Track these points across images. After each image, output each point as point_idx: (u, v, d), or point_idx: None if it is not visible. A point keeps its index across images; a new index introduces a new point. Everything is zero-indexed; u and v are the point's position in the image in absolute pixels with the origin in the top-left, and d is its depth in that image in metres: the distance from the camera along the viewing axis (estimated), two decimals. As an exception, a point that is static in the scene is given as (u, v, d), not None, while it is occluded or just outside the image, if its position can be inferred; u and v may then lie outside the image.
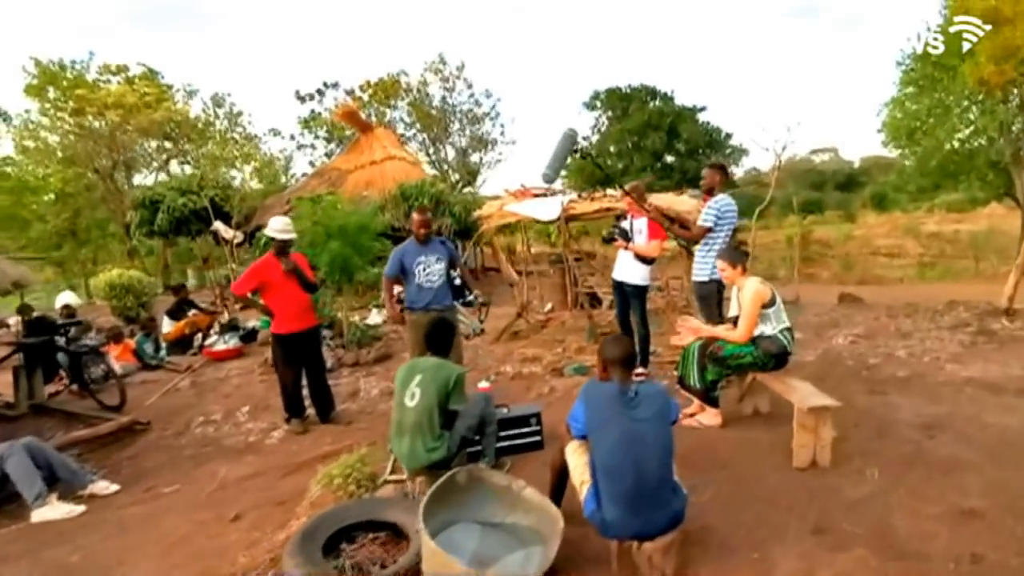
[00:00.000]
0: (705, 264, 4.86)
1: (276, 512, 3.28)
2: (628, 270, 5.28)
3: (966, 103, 13.98)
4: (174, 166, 21.76)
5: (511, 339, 7.48)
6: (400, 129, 26.19)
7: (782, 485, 3.17)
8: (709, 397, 4.03)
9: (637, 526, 2.33)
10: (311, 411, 4.94)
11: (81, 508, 3.68)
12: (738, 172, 37.97)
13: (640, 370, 5.39)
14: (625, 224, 5.35)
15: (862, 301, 9.07)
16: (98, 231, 21.56)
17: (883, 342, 6.24)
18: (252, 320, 8.35)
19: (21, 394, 5.61)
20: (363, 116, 17.42)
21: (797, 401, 3.35)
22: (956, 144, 14.93)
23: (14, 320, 7.08)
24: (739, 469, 3.39)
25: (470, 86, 25.29)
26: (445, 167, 26.73)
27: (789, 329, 3.91)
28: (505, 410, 3.98)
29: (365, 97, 25.44)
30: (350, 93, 25.58)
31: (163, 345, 7.83)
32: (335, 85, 25.38)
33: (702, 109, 35.06)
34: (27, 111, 20.25)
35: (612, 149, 37.38)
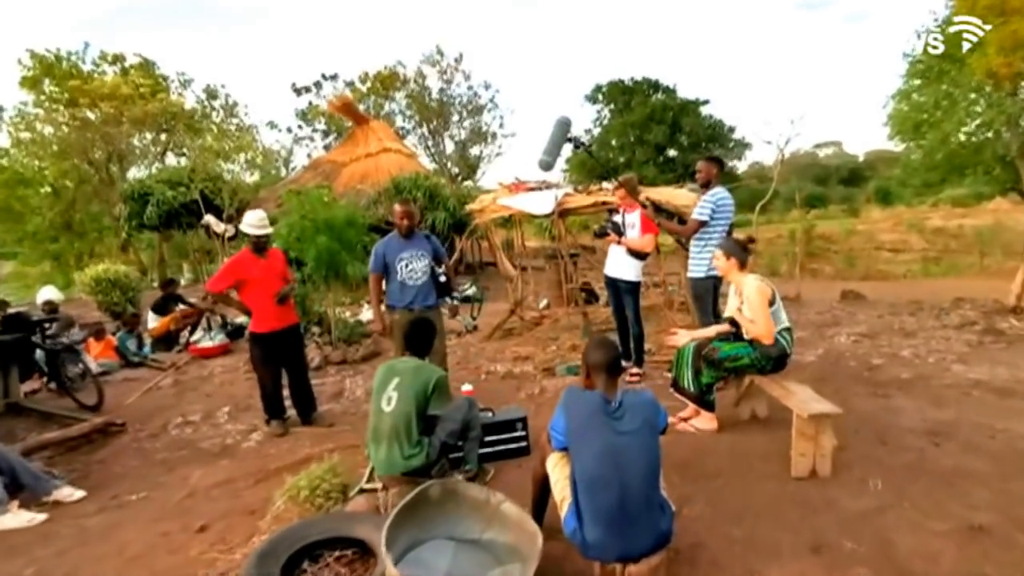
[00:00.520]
0: (701, 260, 4.66)
1: (244, 522, 3.10)
2: (621, 266, 5.09)
3: (973, 96, 13.68)
4: (170, 159, 21.60)
5: (504, 336, 7.29)
6: (399, 122, 26.00)
7: (779, 496, 2.98)
8: (704, 401, 3.84)
9: (620, 547, 2.15)
10: (293, 412, 4.77)
11: (43, 516, 3.51)
12: (741, 166, 37.72)
13: (635, 370, 5.22)
14: (617, 218, 5.16)
15: (865, 298, 8.87)
16: (93, 224, 21.34)
17: (887, 341, 6.04)
18: (240, 316, 8.16)
19: (-5, 393, 5.44)
20: (359, 108, 17.17)
21: (796, 407, 3.16)
22: (962, 138, 14.64)
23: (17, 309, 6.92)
24: (733, 479, 3.20)
25: (468, 77, 25.01)
26: (444, 160, 26.50)
27: (789, 330, 3.72)
28: (490, 414, 3.80)
29: (364, 89, 25.22)
30: (349, 85, 25.37)
31: (147, 342, 7.66)
32: (333, 77, 25.15)
33: (705, 102, 34.78)
34: (23, 103, 20.08)
35: (614, 143, 37.12)
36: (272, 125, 26.14)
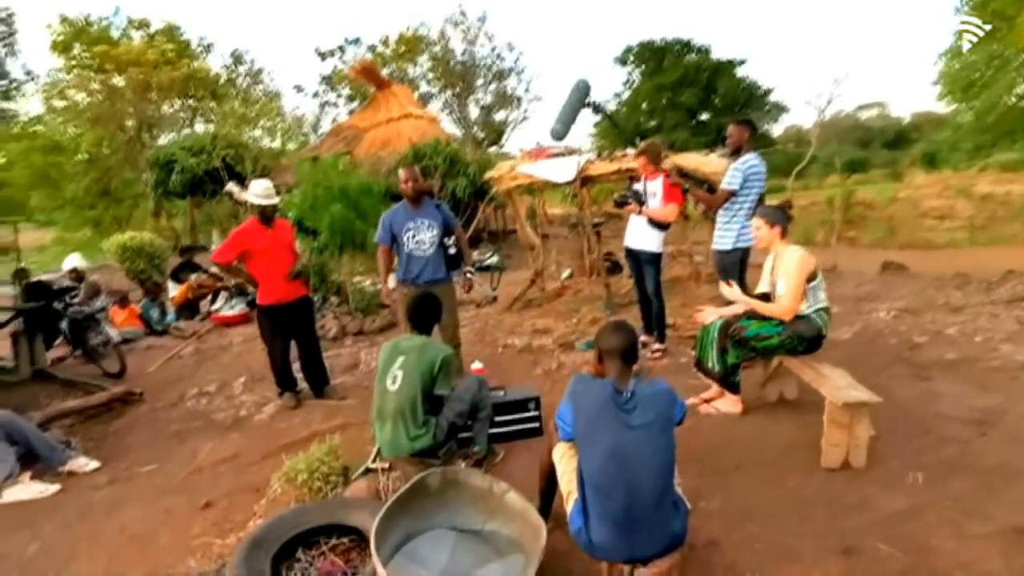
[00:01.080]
0: (728, 231, 4.38)
1: (248, 500, 3.05)
2: (641, 236, 4.83)
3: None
4: (200, 125, 21.67)
5: (524, 308, 7.11)
6: (424, 87, 25.54)
7: (806, 490, 2.78)
8: (729, 382, 3.62)
9: (628, 550, 1.99)
10: (306, 385, 4.70)
11: (55, 487, 3.52)
12: (776, 130, 36.28)
13: (657, 346, 5.01)
14: (638, 186, 4.88)
15: (907, 270, 8.38)
16: (128, 191, 21.66)
17: (930, 318, 5.67)
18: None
19: (21, 360, 5.52)
20: (382, 72, 16.83)
21: (829, 393, 2.92)
22: (1014, 99, 13.71)
23: (49, 276, 7.02)
24: (756, 469, 3.01)
25: (491, 39, 24.31)
26: (470, 126, 26.03)
27: (826, 309, 3.45)
28: (501, 393, 3.65)
29: (388, 52, 24.75)
30: (372, 49, 24.92)
31: (170, 310, 7.71)
32: (356, 41, 24.71)
33: (741, 62, 33.30)
34: (56, 70, 20.25)
35: (644, 106, 36.01)
36: (299, 89, 25.86)
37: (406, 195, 4.10)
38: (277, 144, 15.97)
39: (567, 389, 2.22)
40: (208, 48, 22.99)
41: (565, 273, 8.59)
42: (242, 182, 11.10)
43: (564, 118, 4.01)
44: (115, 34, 20.73)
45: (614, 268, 7.82)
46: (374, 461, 3.01)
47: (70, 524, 3.05)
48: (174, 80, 17.34)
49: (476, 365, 3.55)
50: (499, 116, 26.65)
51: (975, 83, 13.76)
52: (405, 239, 4.07)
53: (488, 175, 6.91)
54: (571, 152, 6.62)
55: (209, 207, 13.52)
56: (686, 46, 34.60)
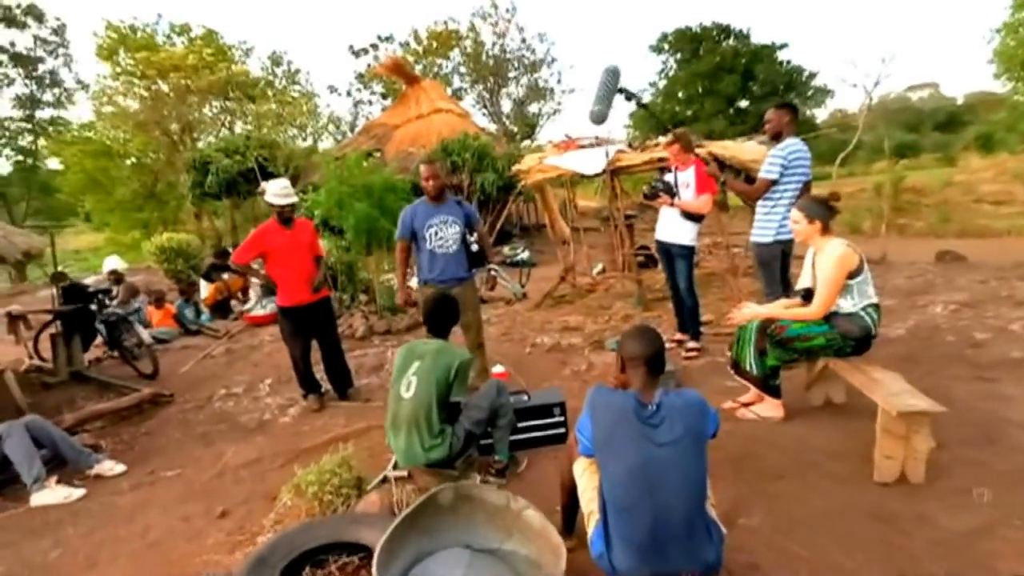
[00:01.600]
0: (769, 223, 4.10)
1: (264, 508, 2.97)
2: (674, 229, 4.60)
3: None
4: (239, 127, 22.10)
5: (555, 305, 6.93)
6: (456, 83, 25.48)
7: (856, 508, 2.53)
8: (768, 386, 3.38)
9: (655, 579, 1.80)
10: (329, 386, 4.64)
11: (81, 491, 3.52)
12: (821, 115, 34.91)
13: (691, 344, 4.77)
14: (669, 177, 4.63)
15: (965, 260, 7.85)
16: (172, 193, 22.30)
17: (992, 312, 5.25)
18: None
19: (60, 361, 5.63)
20: (415, 69, 16.79)
21: (883, 401, 2.65)
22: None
23: (93, 279, 7.21)
24: (800, 482, 2.76)
25: (522, 30, 24.04)
26: (503, 120, 25.85)
27: (876, 306, 3.17)
28: (525, 397, 3.48)
29: (420, 49, 24.76)
30: (404, 46, 24.98)
31: (204, 310, 7.81)
32: (389, 38, 24.80)
33: (783, 46, 32.12)
34: (103, 76, 20.92)
35: (681, 95, 35.15)
36: (332, 89, 26.10)
37: (427, 193, 3.96)
38: (310, 143, 16.12)
39: (586, 400, 2.05)
40: (248, 52, 23.47)
41: (597, 268, 8.36)
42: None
43: (601, 100, 3.81)
44: (159, 40, 21.31)
45: (647, 262, 7.56)
46: (394, 468, 2.89)
47: (93, 529, 3.04)
48: (212, 84, 17.68)
49: (497, 369, 3.39)
50: (532, 109, 26.41)
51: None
52: (427, 236, 3.94)
53: (516, 168, 6.74)
54: (601, 143, 6.41)
55: (247, 207, 13.73)
56: (724, 31, 33.60)
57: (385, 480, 2.93)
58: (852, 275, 3.11)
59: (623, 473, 1.82)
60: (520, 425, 3.31)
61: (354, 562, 2.25)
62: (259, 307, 7.45)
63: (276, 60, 22.71)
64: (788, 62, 32.07)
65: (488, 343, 5.78)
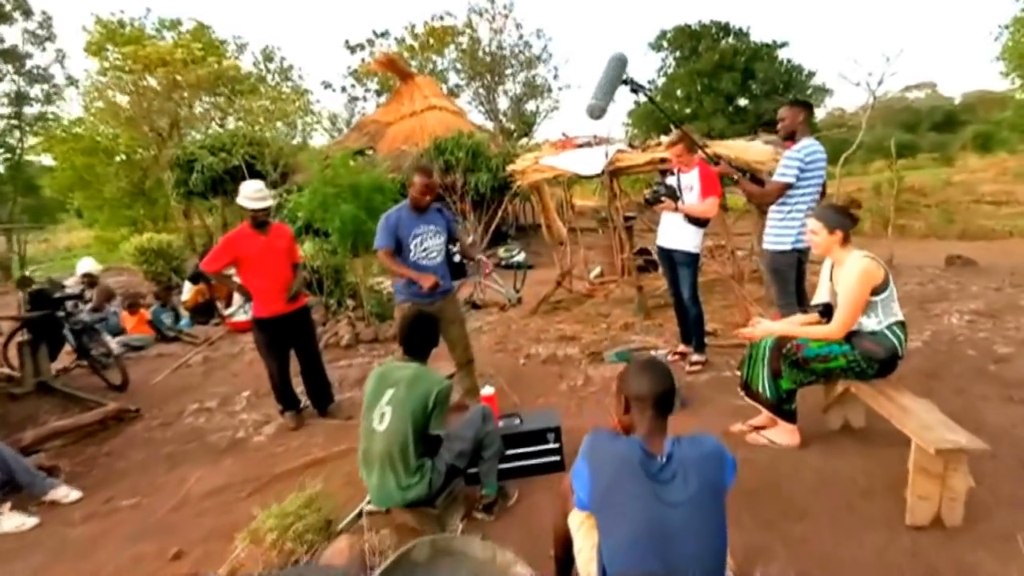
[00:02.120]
0: (784, 230, 3.79)
1: (224, 550, 2.65)
2: (677, 235, 4.30)
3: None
4: (231, 124, 21.68)
5: (551, 311, 6.62)
6: (453, 79, 25.14)
7: (890, 554, 2.24)
8: (783, 410, 3.07)
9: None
10: (310, 401, 4.34)
11: (34, 520, 3.22)
12: (820, 114, 34.67)
13: (696, 357, 4.47)
14: (671, 180, 4.33)
15: (976, 264, 7.57)
16: (161, 191, 21.91)
17: (1013, 322, 4.96)
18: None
19: (26, 371, 5.30)
20: (411, 65, 16.44)
21: (916, 435, 2.36)
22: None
23: (72, 280, 6.88)
24: (827, 523, 2.46)
25: (519, 26, 23.71)
26: (500, 117, 25.51)
27: (902, 324, 2.87)
28: (517, 421, 3.18)
29: (416, 45, 24.40)
30: (400, 42, 24.61)
31: (183, 315, 7.48)
32: (384, 34, 24.43)
33: (782, 45, 31.88)
34: (91, 72, 20.50)
35: (679, 93, 34.86)
36: (326, 85, 25.66)
37: (417, 203, 3.63)
38: (299, 140, 15.74)
39: (582, 446, 1.74)
40: (242, 48, 23.06)
41: (595, 271, 8.07)
42: (263, 180, 10.88)
43: (601, 93, 3.48)
44: (149, 35, 20.88)
45: (647, 266, 7.27)
46: (367, 507, 2.57)
47: (42, 567, 2.74)
48: (201, 79, 17.29)
49: (486, 391, 3.09)
50: (529, 107, 26.07)
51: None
52: (412, 246, 3.62)
53: (511, 168, 6.43)
54: (600, 142, 6.10)
55: (238, 205, 13.31)
56: (723, 29, 33.36)
57: (361, 514, 2.63)
58: (876, 291, 2.81)
59: (627, 539, 1.52)
60: (511, 452, 3.01)
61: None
62: (242, 312, 7.11)
63: (268, 55, 22.32)
64: (788, 61, 31.84)
65: (481, 353, 5.50)
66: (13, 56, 19.72)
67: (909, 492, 2.37)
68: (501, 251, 10.29)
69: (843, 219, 2.95)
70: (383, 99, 24.01)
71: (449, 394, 2.55)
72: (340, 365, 5.43)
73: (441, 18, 23.46)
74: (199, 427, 4.37)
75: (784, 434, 3.13)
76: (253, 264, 3.85)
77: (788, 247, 3.78)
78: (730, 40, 32.85)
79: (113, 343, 5.43)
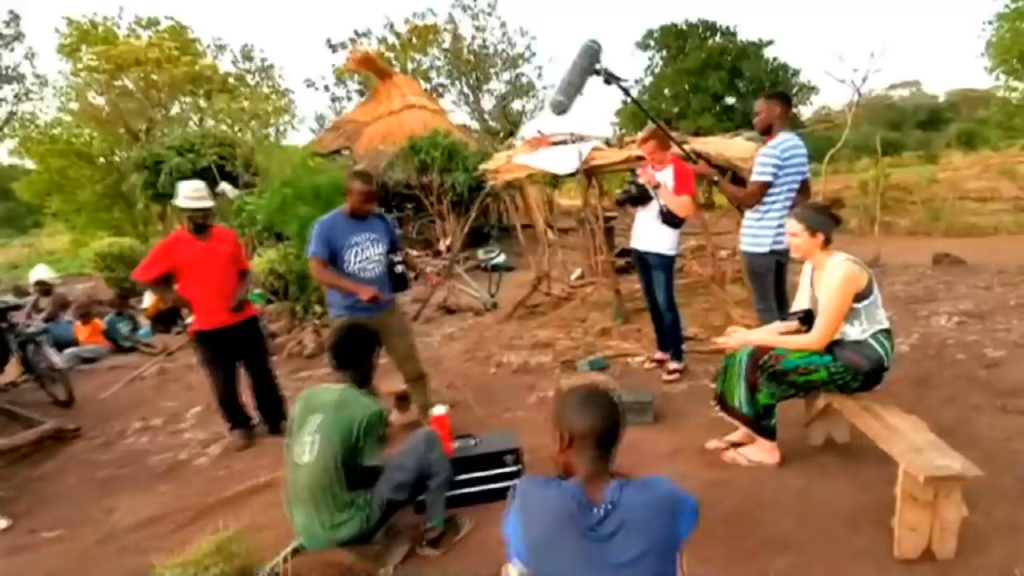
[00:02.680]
0: (763, 230, 3.55)
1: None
2: (651, 236, 4.06)
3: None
4: (210, 124, 21.21)
5: (528, 315, 6.36)
6: (437, 78, 24.81)
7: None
8: (761, 426, 2.83)
9: None
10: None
11: (-49, 555, 2.92)
12: (807, 112, 34.70)
13: (673, 366, 4.23)
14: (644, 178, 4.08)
15: (964, 263, 7.39)
16: (137, 194, 21.42)
17: (1004, 323, 4.76)
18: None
19: (-32, 387, 5.00)
20: (383, 63, 16.10)
21: (904, 459, 2.11)
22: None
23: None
24: (811, 555, 2.21)
25: (503, 25, 23.45)
26: (486, 117, 25.22)
27: (887, 332, 2.64)
28: (473, 442, 2.91)
29: (399, 44, 24.05)
30: (383, 41, 24.26)
31: (142, 324, 7.14)
32: (367, 33, 24.07)
33: (768, 43, 31.90)
34: (65, 73, 19.99)
35: (667, 92, 34.77)
36: (309, 84, 25.20)
37: (354, 210, 3.34)
38: (273, 140, 15.37)
39: (514, 492, 1.48)
40: (221, 48, 22.60)
41: (575, 274, 7.82)
42: (235, 182, 10.55)
43: (566, 87, 3.21)
44: (123, 34, 20.39)
45: (628, 268, 7.01)
46: (293, 555, 2.28)
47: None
48: (176, 78, 16.87)
49: (437, 410, 2.81)
50: (515, 106, 25.79)
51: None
52: (348, 256, 3.32)
53: (483, 167, 6.17)
54: (577, 139, 5.85)
55: (223, 207, 12.91)
56: (711, 28, 33.33)
57: (296, 552, 2.34)
58: (859, 297, 2.58)
59: (561, 610, 1.26)
60: (465, 477, 2.75)
61: None
62: (205, 320, 6.78)
63: (247, 54, 21.89)
64: (774, 59, 31.84)
65: (450, 362, 5.24)
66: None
67: (897, 523, 2.13)
68: (480, 253, 10.02)
69: (825, 220, 2.71)
70: (366, 98, 23.70)
71: (379, 421, 2.27)
72: (301, 376, 5.15)
73: (423, 16, 23.12)
74: (140, 448, 4.06)
75: (763, 452, 2.88)
76: (192, 272, 3.54)
77: (766, 249, 3.54)
78: (717, 39, 32.80)
79: (56, 356, 5.10)
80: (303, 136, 22.04)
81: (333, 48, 24.53)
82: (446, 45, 23.26)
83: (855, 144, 25.52)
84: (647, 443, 3.28)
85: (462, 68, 23.67)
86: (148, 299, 7.26)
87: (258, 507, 2.96)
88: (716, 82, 31.28)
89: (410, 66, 24.10)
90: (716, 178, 3.68)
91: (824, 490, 2.64)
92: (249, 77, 22.33)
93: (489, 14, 22.83)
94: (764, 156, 3.49)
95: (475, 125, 24.25)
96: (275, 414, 3.98)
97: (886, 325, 2.65)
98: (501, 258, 9.58)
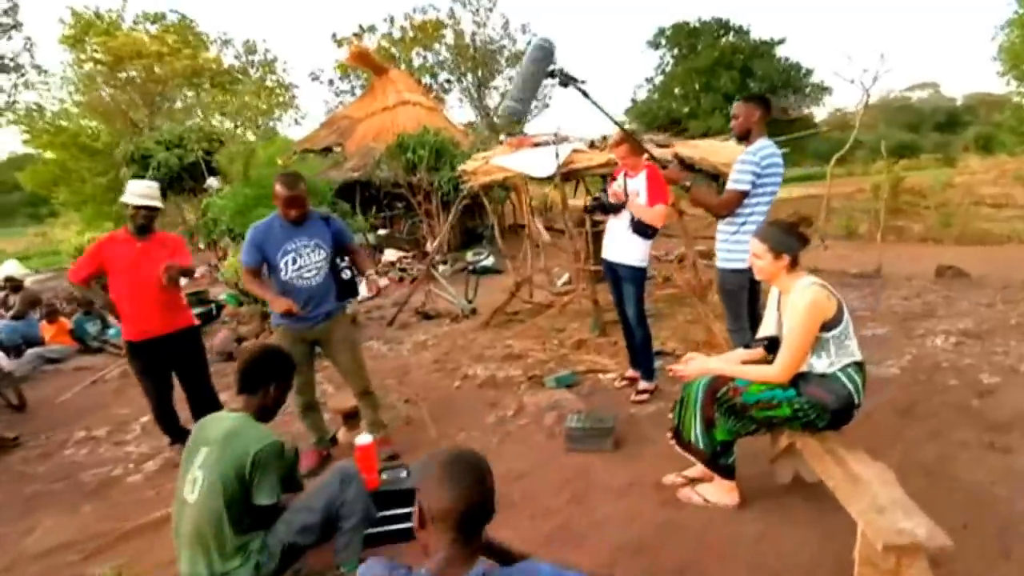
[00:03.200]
0: (737, 245, 3.27)
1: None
2: (621, 247, 3.80)
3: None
4: (216, 119, 21.11)
5: (506, 323, 6.12)
6: (443, 74, 24.58)
7: None
8: (718, 464, 2.57)
9: None
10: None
11: None
12: (820, 113, 34.12)
13: (643, 385, 3.99)
14: (617, 185, 3.82)
15: (968, 276, 7.04)
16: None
17: (1001, 345, 4.46)
18: (221, 292, 7.35)
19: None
20: (380, 58, 15.89)
21: (864, 520, 1.85)
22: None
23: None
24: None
25: (506, 21, 23.17)
26: (491, 114, 24.95)
27: (859, 365, 2.37)
28: (403, 473, 2.68)
29: (405, 39, 23.84)
30: (388, 36, 24.07)
31: (113, 323, 6.96)
32: (372, 28, 23.87)
33: (780, 42, 31.40)
34: (67, 63, 19.95)
35: (677, 91, 34.36)
36: (314, 77, 25.03)
37: (287, 217, 3.10)
38: (259, 137, 15.19)
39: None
40: (226, 42, 22.50)
41: (562, 279, 7.57)
42: (226, 178, 10.36)
43: (519, 92, 2.97)
44: (126, 27, 20.32)
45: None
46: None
47: None
48: (176, 71, 16.76)
49: (362, 440, 2.56)
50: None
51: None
52: (282, 265, 3.09)
53: (461, 168, 5.93)
54: (558, 141, 5.59)
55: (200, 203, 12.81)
56: (723, 26, 32.85)
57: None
58: (827, 326, 2.31)
59: None
60: (390, 513, 2.51)
61: None
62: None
63: (251, 48, 21.77)
64: (786, 59, 31.33)
65: (417, 371, 5.02)
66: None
67: (855, 589, 1.87)
68: (469, 254, 9.77)
69: (791, 240, 2.45)
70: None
71: (275, 454, 2.03)
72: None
73: (424, 11, 22.87)
74: (77, 461, 3.86)
75: (721, 492, 2.63)
76: (121, 274, 3.31)
77: (741, 264, 3.27)
78: (730, 38, 32.33)
79: (3, 360, 4.91)
80: (307, 131, 21.83)
81: (339, 43, 24.38)
82: (448, 40, 22.98)
83: (872, 146, 25.04)
84: (601, 473, 3.04)
85: (466, 65, 23.40)
86: None
87: (168, 538, 2.75)
88: (727, 81, 30.87)
89: (416, 62, 23.92)
90: (688, 183, 3.40)
91: (784, 539, 2.38)
92: (252, 71, 22.22)
93: (490, 9, 22.53)
94: (742, 163, 3.22)
95: (480, 122, 24.00)
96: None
97: (858, 358, 2.38)
98: (490, 261, 9.33)
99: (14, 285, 6.49)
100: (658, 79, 35.64)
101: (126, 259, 3.32)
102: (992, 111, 30.66)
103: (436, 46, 23.55)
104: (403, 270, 9.24)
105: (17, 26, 19.00)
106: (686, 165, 4.84)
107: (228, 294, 6.80)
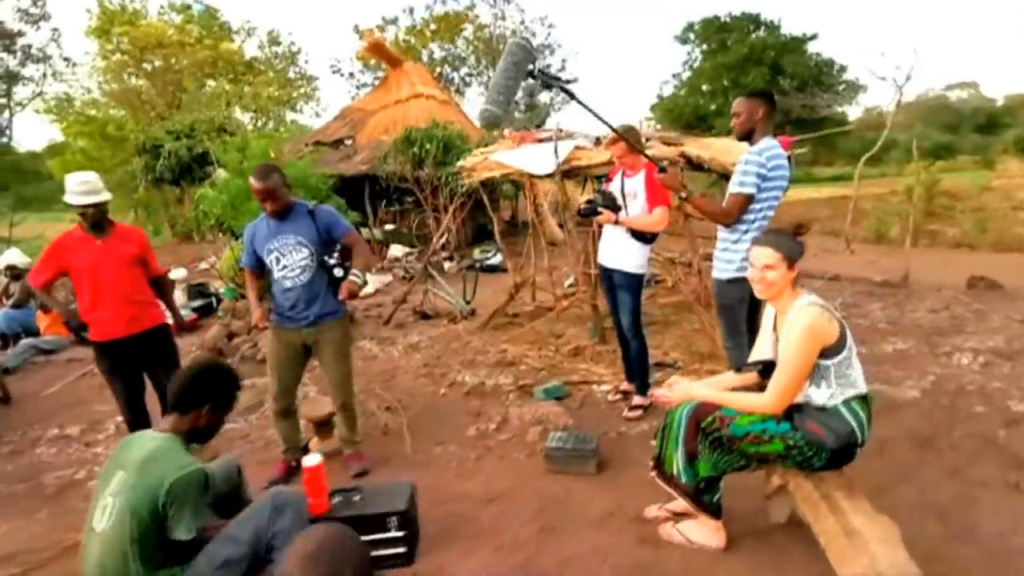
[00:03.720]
0: (737, 254, 2.99)
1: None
2: (618, 252, 3.54)
3: None
4: (238, 111, 21.21)
5: (505, 325, 5.88)
6: (464, 67, 24.39)
7: None
8: (702, 502, 2.30)
9: None
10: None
11: None
12: (853, 112, 33.02)
13: (637, 401, 3.73)
14: (614, 186, 3.56)
15: (1001, 288, 6.59)
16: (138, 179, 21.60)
17: (1035, 368, 4.09)
18: (219, 284, 7.24)
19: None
20: (396, 50, 15.70)
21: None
22: None
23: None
24: None
25: (522, 12, 22.86)
26: (512, 109, 24.68)
27: (863, 399, 2.09)
28: (357, 497, 2.46)
29: (428, 32, 23.68)
30: (412, 28, 23.93)
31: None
32: (395, 21, 23.76)
33: (812, 38, 30.36)
34: (93, 54, 20.23)
35: (705, 87, 33.58)
36: (335, 70, 25.01)
37: (269, 212, 2.93)
38: (271, 125, 15.15)
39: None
40: (250, 32, 22.59)
41: (568, 280, 7.29)
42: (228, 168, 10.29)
43: (496, 95, 2.72)
44: (152, 18, 20.51)
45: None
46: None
47: None
48: (198, 62, 16.83)
49: (309, 461, 2.36)
50: (543, 97, 25.15)
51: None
52: (271, 266, 2.94)
53: (459, 164, 5.70)
54: (562, 136, 5.32)
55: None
56: (753, 21, 31.97)
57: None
58: (827, 353, 2.04)
59: None
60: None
61: None
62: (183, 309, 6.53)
63: (274, 39, 21.81)
64: (818, 55, 30.32)
65: (404, 376, 4.82)
66: (2, 34, 19.50)
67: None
68: (476, 252, 9.55)
69: (800, 248, 2.18)
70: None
71: (193, 485, 1.83)
72: (244, 385, 4.77)
73: (444, 2, 22.67)
74: (45, 461, 3.74)
75: (706, 532, 2.36)
76: (84, 275, 3.16)
77: (742, 275, 2.98)
78: (760, 33, 31.44)
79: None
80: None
81: (360, 34, 24.31)
82: (467, 34, 22.75)
83: (906, 146, 24.15)
84: (579, 501, 2.80)
85: (487, 58, 23.15)
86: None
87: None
88: (757, 78, 29.96)
89: (438, 54, 23.75)
90: (684, 195, 3.11)
91: (777, 588, 2.12)
92: (276, 62, 22.27)
93: (508, 1, 22.22)
94: (747, 164, 2.92)
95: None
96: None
97: (862, 390, 2.10)
98: (497, 259, 9.10)
99: (15, 274, 6.46)
100: (685, 75, 34.92)
101: (87, 259, 3.15)
102: (1034, 113, 29.39)
103: (456, 40, 23.32)
104: (407, 268, 9.07)
105: (46, 17, 19.29)
106: (695, 166, 4.53)
107: (227, 288, 6.69)
